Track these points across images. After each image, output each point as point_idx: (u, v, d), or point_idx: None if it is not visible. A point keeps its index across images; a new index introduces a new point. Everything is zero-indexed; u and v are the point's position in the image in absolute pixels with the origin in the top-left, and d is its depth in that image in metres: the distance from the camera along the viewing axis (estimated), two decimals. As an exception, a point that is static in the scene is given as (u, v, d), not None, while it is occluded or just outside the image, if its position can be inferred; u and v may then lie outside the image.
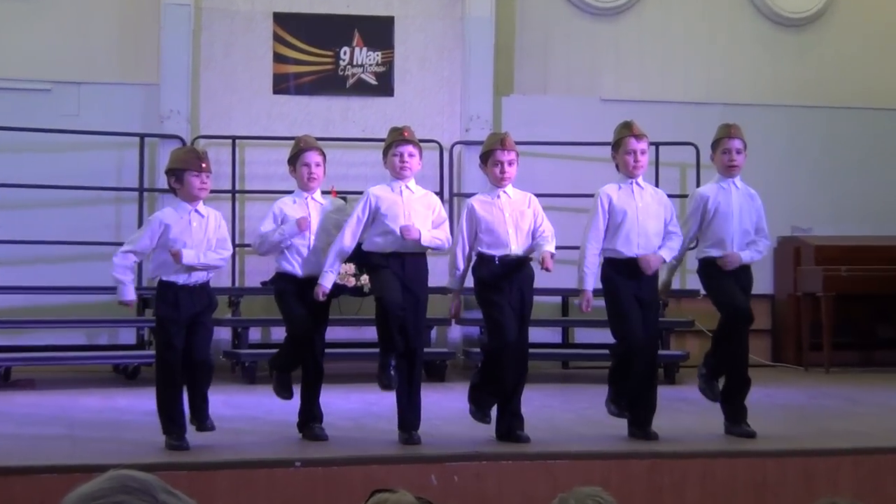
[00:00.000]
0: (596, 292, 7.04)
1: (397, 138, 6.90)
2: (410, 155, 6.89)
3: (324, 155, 7.06)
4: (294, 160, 7.01)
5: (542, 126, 11.57)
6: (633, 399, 6.97)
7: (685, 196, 9.97)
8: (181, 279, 6.56)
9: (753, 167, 10.94)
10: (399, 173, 6.89)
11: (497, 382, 6.82)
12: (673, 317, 10.83)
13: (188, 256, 6.53)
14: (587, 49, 11.97)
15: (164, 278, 6.59)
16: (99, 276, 10.83)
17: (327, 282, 6.80)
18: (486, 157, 6.96)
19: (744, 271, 7.19)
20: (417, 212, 6.84)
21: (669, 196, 8.88)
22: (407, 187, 6.90)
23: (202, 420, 6.56)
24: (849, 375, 10.79)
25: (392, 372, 6.71)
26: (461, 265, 6.93)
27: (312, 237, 6.90)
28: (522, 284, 6.87)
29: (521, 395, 6.92)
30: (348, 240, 6.81)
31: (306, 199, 6.98)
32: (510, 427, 6.84)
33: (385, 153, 6.96)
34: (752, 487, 6.57)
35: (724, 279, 7.11)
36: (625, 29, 12.08)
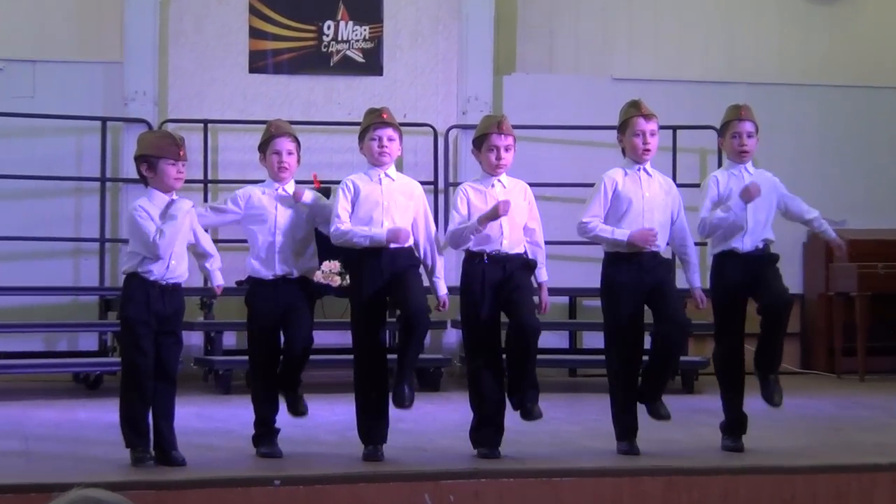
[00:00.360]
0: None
1: (375, 120, 6.90)
2: (390, 139, 6.88)
3: (297, 142, 7.05)
4: (264, 147, 7.02)
5: (546, 108, 11.58)
6: (645, 373, 7.02)
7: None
8: (156, 274, 6.54)
9: (780, 153, 11.02)
10: (377, 159, 6.88)
11: (484, 400, 6.87)
12: (691, 318, 10.81)
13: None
14: (597, 23, 11.98)
15: (138, 270, 6.55)
16: (58, 276, 10.87)
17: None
18: (481, 142, 6.96)
19: (764, 259, 7.19)
20: (398, 202, 6.84)
21: (688, 186, 8.95)
22: (386, 175, 6.91)
23: (169, 451, 6.55)
24: (885, 383, 10.81)
25: (406, 389, 6.75)
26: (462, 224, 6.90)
27: (279, 234, 6.90)
28: (519, 280, 6.85)
29: (534, 367, 6.87)
30: (344, 220, 6.80)
31: (277, 189, 6.98)
32: (522, 399, 6.84)
33: (361, 137, 6.94)
34: (778, 507, 6.59)
35: (733, 288, 7.13)
36: (639, 0, 12.09)
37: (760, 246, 7.15)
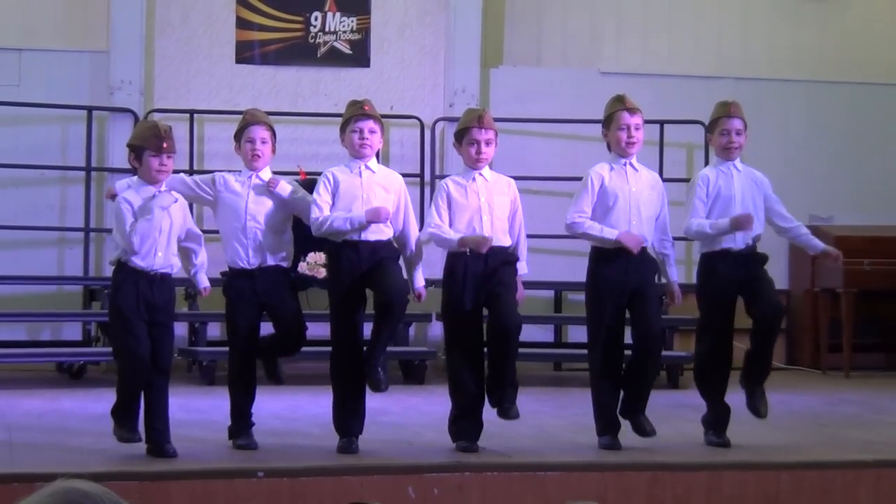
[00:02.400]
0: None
1: (356, 112, 6.89)
2: (371, 131, 6.88)
3: (272, 131, 7.05)
4: (239, 136, 7.03)
5: (534, 101, 11.58)
6: (626, 386, 7.02)
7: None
8: (143, 264, 6.53)
9: (768, 149, 11.03)
10: (358, 151, 6.88)
11: (462, 393, 6.88)
12: (677, 314, 10.84)
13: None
14: (585, 16, 11.99)
15: (128, 261, 6.54)
16: (42, 265, 10.85)
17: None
18: (462, 136, 6.97)
19: (754, 259, 7.21)
20: (378, 195, 6.85)
21: (675, 181, 8.97)
22: (367, 167, 6.91)
23: (161, 444, 6.56)
24: (871, 380, 10.85)
25: (381, 373, 6.77)
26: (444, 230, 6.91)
27: (251, 221, 6.88)
28: (498, 270, 6.86)
29: (513, 365, 6.87)
30: (324, 212, 6.81)
31: (250, 177, 6.97)
32: (500, 398, 6.86)
33: (343, 129, 6.94)
34: (763, 502, 6.61)
35: (723, 286, 7.13)
36: (627, -6, 12.10)
37: (750, 243, 7.17)
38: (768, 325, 7.14)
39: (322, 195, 6.81)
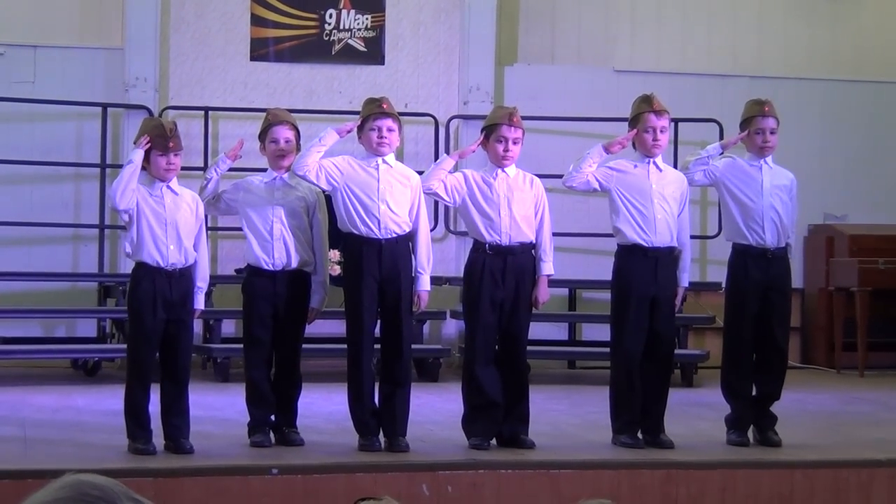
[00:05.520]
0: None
1: (375, 111, 6.89)
2: (389, 130, 6.88)
3: (296, 129, 7.06)
4: (263, 136, 7.04)
5: (548, 99, 11.57)
6: (644, 403, 7.01)
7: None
8: (156, 260, 6.55)
9: (783, 147, 10.94)
10: (377, 150, 6.88)
11: (476, 392, 6.89)
12: (691, 312, 10.83)
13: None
14: (600, 14, 11.97)
15: (140, 258, 6.58)
16: (57, 262, 10.87)
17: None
18: (490, 132, 6.97)
19: (784, 265, 7.23)
20: (394, 187, 6.84)
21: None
22: (384, 161, 6.91)
23: (178, 439, 6.57)
24: (885, 379, 10.81)
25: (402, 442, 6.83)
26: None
27: (277, 223, 6.89)
28: (518, 275, 6.88)
29: (527, 398, 6.95)
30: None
31: (275, 178, 6.98)
32: (514, 432, 6.88)
33: (360, 127, 6.94)
34: (777, 501, 6.60)
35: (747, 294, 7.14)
36: (642, -8, 12.07)
37: (782, 245, 7.21)
38: (777, 371, 7.25)
39: (329, 158, 6.83)
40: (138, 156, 6.57)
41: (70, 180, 11.03)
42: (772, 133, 7.26)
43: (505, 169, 6.97)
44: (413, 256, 6.92)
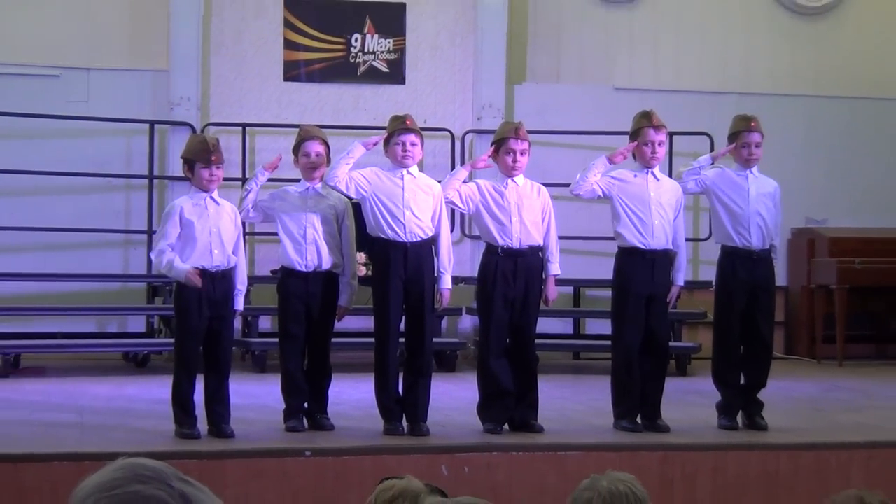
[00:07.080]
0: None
1: (399, 126, 6.94)
2: (413, 144, 6.92)
3: (326, 144, 7.11)
4: (296, 150, 7.09)
5: (554, 114, 11.57)
6: (643, 391, 7.02)
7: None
8: (203, 264, 6.59)
9: (768, 158, 10.88)
10: (402, 161, 6.93)
11: (490, 381, 6.90)
12: (685, 308, 10.82)
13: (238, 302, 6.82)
14: (601, 36, 11.96)
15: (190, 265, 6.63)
16: (108, 264, 10.92)
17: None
18: (499, 145, 6.99)
19: (768, 266, 7.22)
20: (418, 196, 6.87)
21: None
22: (408, 172, 6.94)
23: (220, 425, 6.61)
24: (862, 368, 10.80)
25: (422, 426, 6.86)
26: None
27: (310, 229, 6.93)
28: (528, 275, 6.90)
29: (536, 387, 6.97)
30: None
31: (308, 188, 7.03)
32: (524, 417, 6.89)
33: (386, 142, 6.98)
34: (763, 481, 6.61)
35: (736, 290, 7.13)
36: (639, 16, 12.07)
37: (766, 247, 7.20)
38: (763, 365, 7.23)
39: (358, 170, 6.87)
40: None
41: (121, 190, 11.06)
42: (757, 146, 7.28)
43: (514, 178, 7.00)
44: (435, 258, 6.95)
